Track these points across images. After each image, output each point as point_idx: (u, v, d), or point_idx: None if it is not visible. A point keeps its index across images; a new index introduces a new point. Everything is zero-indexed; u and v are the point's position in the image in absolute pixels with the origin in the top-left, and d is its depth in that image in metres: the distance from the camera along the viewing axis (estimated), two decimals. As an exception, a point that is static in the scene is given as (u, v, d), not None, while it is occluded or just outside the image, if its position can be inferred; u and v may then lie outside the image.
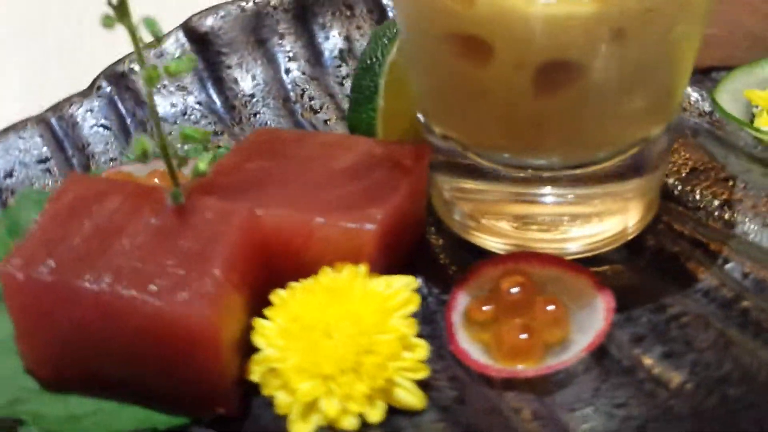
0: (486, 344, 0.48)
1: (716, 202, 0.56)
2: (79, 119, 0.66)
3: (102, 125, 0.66)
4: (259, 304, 0.48)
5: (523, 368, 0.47)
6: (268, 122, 0.66)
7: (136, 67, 0.67)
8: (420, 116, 0.54)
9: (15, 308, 0.47)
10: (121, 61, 0.68)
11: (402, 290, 0.47)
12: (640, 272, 0.52)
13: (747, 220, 0.54)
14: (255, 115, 0.67)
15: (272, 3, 0.70)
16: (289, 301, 0.48)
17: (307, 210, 0.49)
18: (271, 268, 0.49)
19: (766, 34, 0.64)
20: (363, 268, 0.48)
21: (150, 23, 0.46)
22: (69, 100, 0.67)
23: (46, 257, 0.46)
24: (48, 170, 0.64)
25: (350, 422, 0.45)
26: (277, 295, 0.49)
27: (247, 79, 0.68)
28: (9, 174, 0.63)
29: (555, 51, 0.44)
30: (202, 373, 0.46)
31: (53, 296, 0.46)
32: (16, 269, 0.46)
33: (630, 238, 0.54)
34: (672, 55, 0.48)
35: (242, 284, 0.47)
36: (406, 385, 0.46)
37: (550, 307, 0.48)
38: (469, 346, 0.48)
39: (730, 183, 0.57)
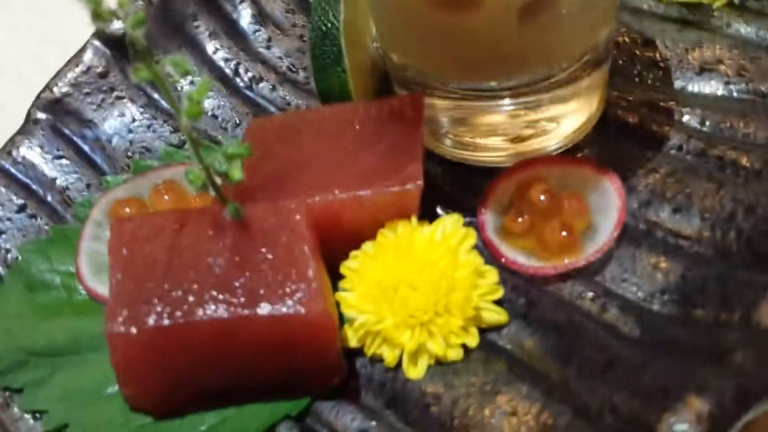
0: (529, 249, 0.55)
1: (649, 65, 0.64)
2: (33, 158, 0.66)
3: (57, 156, 0.66)
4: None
5: (570, 261, 0.55)
6: (219, 106, 0.68)
7: (65, 89, 0.67)
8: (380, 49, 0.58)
9: (123, 361, 0.49)
10: (48, 88, 0.68)
11: (456, 228, 0.53)
12: (617, 148, 0.60)
13: (680, 73, 0.63)
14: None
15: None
16: (362, 270, 0.53)
17: (349, 186, 0.53)
18: (324, 246, 0.53)
19: None
20: (414, 221, 0.54)
21: (177, 63, 0.47)
22: (12, 141, 0.66)
23: (145, 306, 0.48)
24: (32, 216, 0.64)
25: (456, 353, 0.52)
26: (347, 267, 0.53)
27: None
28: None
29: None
30: (319, 357, 0.50)
31: (164, 339, 0.48)
32: (125, 326, 0.48)
33: (595, 122, 0.61)
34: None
35: (320, 266, 0.51)
36: (489, 307, 0.53)
37: (573, 202, 0.55)
38: (516, 256, 0.55)
39: (654, 46, 0.65)
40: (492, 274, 0.53)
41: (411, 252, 0.52)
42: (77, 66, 0.68)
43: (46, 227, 0.63)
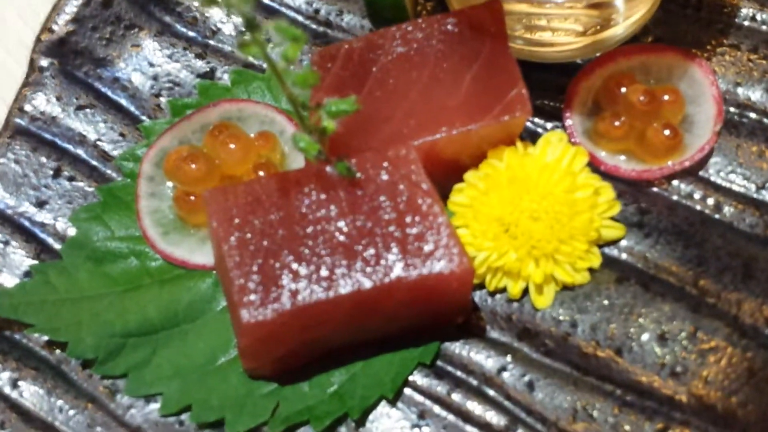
0: (630, 152, 0.54)
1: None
2: (51, 111, 0.59)
3: (78, 106, 0.60)
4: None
5: (674, 162, 0.53)
6: (239, 25, 0.62)
7: (68, 27, 0.60)
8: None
9: (256, 343, 0.47)
10: (47, 28, 0.60)
11: (565, 147, 0.51)
12: (686, 26, 0.57)
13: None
14: (220, 26, 0.62)
15: None
16: (475, 205, 0.50)
17: (453, 122, 0.49)
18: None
19: None
20: (519, 146, 0.51)
21: (282, 28, 0.42)
22: (23, 95, 0.59)
23: (278, 287, 0.45)
24: (70, 178, 0.58)
25: (582, 277, 0.51)
26: (455, 203, 0.51)
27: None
28: (39, 203, 0.57)
29: None
30: (456, 303, 0.48)
31: (302, 318, 0.46)
32: (263, 313, 0.45)
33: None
34: None
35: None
36: (609, 224, 0.51)
37: (671, 97, 0.53)
38: (615, 161, 0.54)
39: None
40: (608, 190, 0.51)
41: (527, 182, 0.50)
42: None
43: (90, 189, 0.58)
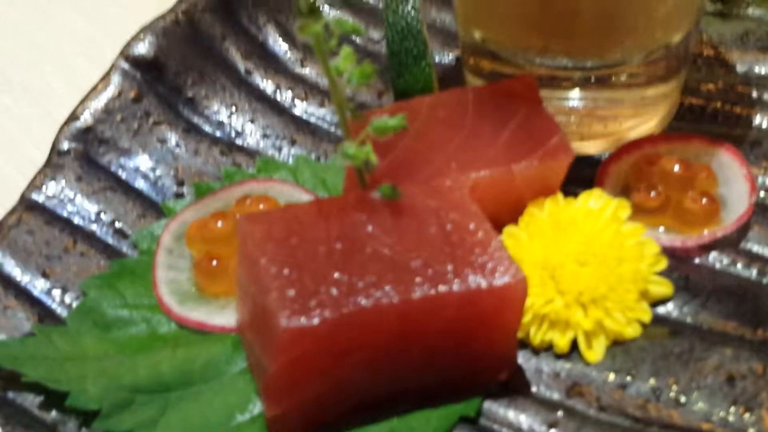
0: (667, 225, 0.53)
1: (707, 57, 0.64)
2: (68, 192, 0.58)
3: (97, 189, 0.58)
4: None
5: (710, 231, 0.52)
6: (267, 125, 0.63)
7: (96, 116, 0.60)
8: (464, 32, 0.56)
9: (292, 362, 0.42)
10: (75, 117, 0.60)
11: (606, 199, 0.50)
12: (704, 130, 0.59)
13: (739, 59, 0.63)
14: (245, 127, 0.63)
15: (200, 7, 0.66)
16: (518, 252, 0.48)
17: (496, 163, 0.49)
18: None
19: None
20: (560, 196, 0.50)
21: (341, 23, 0.43)
22: (42, 174, 0.58)
23: (320, 295, 0.42)
24: (81, 253, 0.55)
25: (634, 329, 0.48)
26: (499, 251, 0.49)
27: (217, 91, 0.64)
28: (45, 274, 0.54)
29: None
30: (501, 341, 0.45)
31: (347, 329, 0.42)
32: (306, 317, 0.41)
33: (669, 120, 0.60)
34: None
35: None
36: (656, 280, 0.49)
37: (704, 170, 0.54)
38: (653, 234, 0.52)
39: (704, 39, 0.66)
40: (653, 244, 0.50)
41: (572, 226, 0.48)
42: (105, 91, 0.61)
43: (102, 263, 0.55)
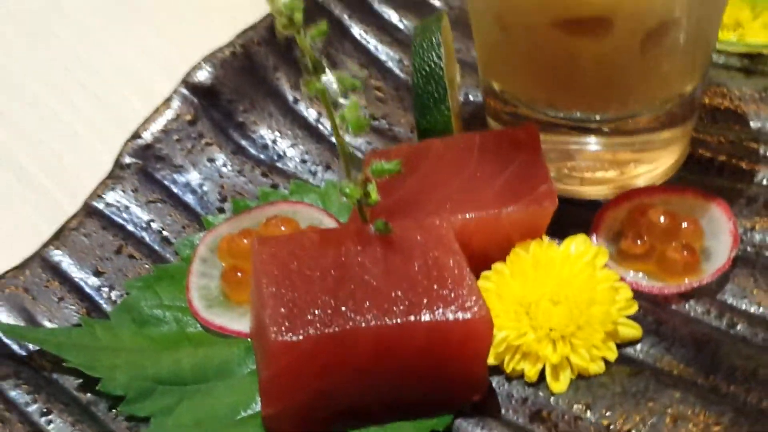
0: (648, 271, 0.57)
1: (725, 110, 0.68)
2: (126, 201, 0.66)
3: (150, 200, 0.66)
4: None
5: (690, 280, 0.56)
6: (307, 151, 0.69)
7: (155, 135, 0.68)
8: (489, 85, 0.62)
9: (281, 371, 0.49)
10: (137, 135, 0.68)
11: (588, 245, 0.55)
12: (708, 183, 0.63)
13: (755, 115, 0.67)
14: (287, 151, 0.70)
15: (255, 40, 0.73)
16: (500, 288, 0.54)
17: (485, 206, 0.54)
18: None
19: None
20: (545, 239, 0.55)
21: (342, 79, 0.49)
22: (103, 185, 0.66)
23: (308, 314, 0.48)
24: (131, 256, 0.63)
25: (598, 366, 0.53)
26: (481, 287, 0.54)
27: (264, 117, 0.71)
28: (97, 272, 0.62)
29: (665, 14, 0.54)
30: (470, 366, 0.50)
31: (326, 347, 0.48)
32: (291, 333, 0.48)
33: (679, 166, 0.64)
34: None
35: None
36: (625, 322, 0.54)
37: (690, 223, 0.58)
38: (636, 278, 0.57)
39: (725, 92, 0.69)
40: (626, 290, 0.54)
41: (550, 268, 0.53)
42: (165, 114, 0.69)
43: (146, 266, 0.62)
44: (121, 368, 0.55)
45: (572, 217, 0.61)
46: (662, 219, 0.57)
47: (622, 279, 0.57)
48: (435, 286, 0.49)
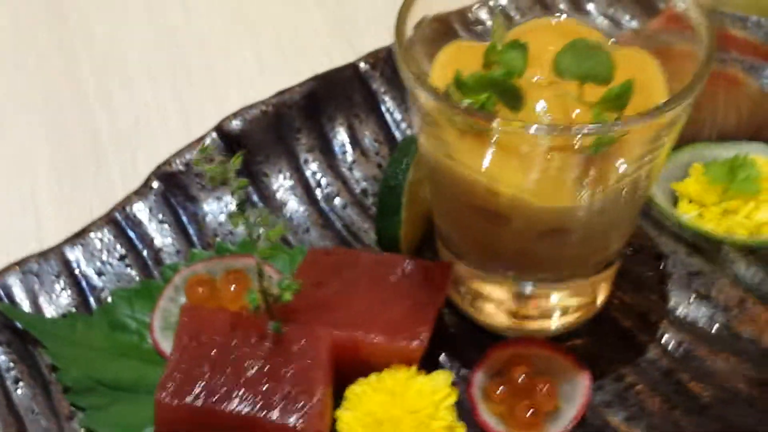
0: (502, 416, 0.68)
1: (653, 279, 0.75)
2: (141, 217, 0.81)
3: (161, 220, 0.81)
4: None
5: (531, 436, 0.67)
6: (296, 210, 0.82)
7: (182, 167, 0.82)
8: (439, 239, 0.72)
9: (162, 422, 0.63)
10: (168, 163, 0.83)
11: (444, 385, 0.66)
12: (602, 345, 0.72)
13: (676, 294, 0.74)
14: (284, 205, 0.82)
15: (287, 103, 0.85)
16: (363, 397, 0.66)
17: (369, 329, 0.66)
18: (340, 367, 0.67)
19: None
20: (413, 370, 0.67)
21: (263, 217, 0.62)
22: (129, 199, 0.81)
23: (189, 386, 0.63)
24: (128, 265, 0.79)
25: (417, 489, 0.65)
26: (352, 392, 0.66)
27: (274, 171, 0.84)
28: (98, 273, 0.78)
29: (553, 224, 0.63)
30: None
31: (195, 416, 0.63)
32: (170, 398, 0.62)
33: (596, 312, 0.73)
34: (636, 206, 0.67)
35: (328, 389, 0.65)
36: (452, 461, 0.65)
37: (546, 387, 0.67)
38: (489, 418, 0.68)
39: (662, 262, 0.76)
40: (460, 431, 0.65)
41: (403, 396, 0.65)
42: (194, 150, 0.83)
43: (137, 278, 0.78)
44: (77, 363, 0.71)
45: (476, 339, 0.71)
46: (520, 379, 0.67)
47: (478, 414, 0.67)
48: (293, 392, 0.62)
